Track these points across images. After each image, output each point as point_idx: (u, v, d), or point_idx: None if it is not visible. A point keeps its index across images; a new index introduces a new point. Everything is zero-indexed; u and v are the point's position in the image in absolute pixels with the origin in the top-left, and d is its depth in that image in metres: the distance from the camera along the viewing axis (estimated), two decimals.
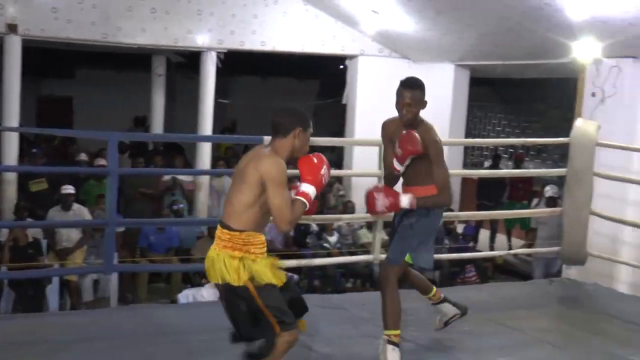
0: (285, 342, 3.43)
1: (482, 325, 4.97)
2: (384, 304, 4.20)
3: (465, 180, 11.96)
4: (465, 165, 14.14)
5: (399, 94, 4.17)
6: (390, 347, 4.15)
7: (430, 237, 4.27)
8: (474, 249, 10.50)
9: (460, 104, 11.42)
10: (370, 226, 7.59)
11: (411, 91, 4.15)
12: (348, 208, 10.30)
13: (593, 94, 8.15)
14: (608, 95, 8.05)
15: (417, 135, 4.08)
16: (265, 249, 3.45)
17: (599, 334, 5.06)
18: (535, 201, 10.37)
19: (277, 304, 3.40)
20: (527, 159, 15.77)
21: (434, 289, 4.63)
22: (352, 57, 11.59)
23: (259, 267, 3.38)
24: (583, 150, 6.09)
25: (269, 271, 3.40)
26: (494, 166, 12.58)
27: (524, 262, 10.92)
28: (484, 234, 12.03)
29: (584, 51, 7.21)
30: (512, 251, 8.46)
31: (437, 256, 8.06)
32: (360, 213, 9.60)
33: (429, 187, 4.13)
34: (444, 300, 4.63)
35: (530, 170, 12.35)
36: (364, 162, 9.04)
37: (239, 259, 3.37)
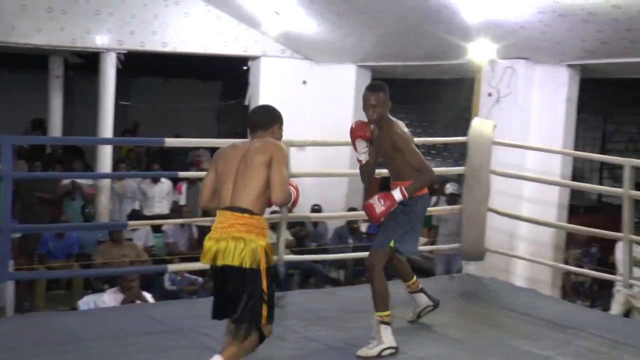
0: (267, 333, 3.67)
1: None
2: (372, 288, 4.51)
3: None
4: None
5: (365, 97, 4.46)
6: (383, 326, 4.46)
7: (415, 225, 4.57)
8: None
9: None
10: (274, 227, 7.57)
11: (375, 94, 4.45)
12: None
13: (489, 94, 8.38)
14: (503, 95, 8.29)
15: (365, 123, 4.45)
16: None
17: (497, 326, 5.21)
18: (434, 199, 10.59)
19: (274, 295, 3.64)
20: (428, 157, 16.09)
21: (415, 277, 4.96)
22: (254, 58, 11.55)
23: (271, 254, 3.62)
24: (480, 149, 6.25)
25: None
26: None
27: (426, 259, 11.13)
28: None
29: (480, 52, 7.41)
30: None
31: (341, 255, 8.26)
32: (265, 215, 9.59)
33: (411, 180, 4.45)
34: (421, 290, 4.96)
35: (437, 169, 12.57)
36: None
37: (266, 245, 3.58)
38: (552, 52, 7.93)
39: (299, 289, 9.55)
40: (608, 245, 8.84)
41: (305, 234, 10.58)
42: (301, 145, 9.06)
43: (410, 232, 4.54)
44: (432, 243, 9.76)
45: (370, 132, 4.47)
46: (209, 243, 3.61)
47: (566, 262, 8.53)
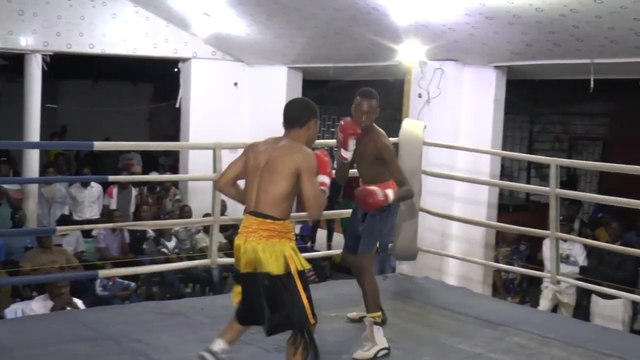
0: (313, 331, 3.63)
1: (322, 322, 5.02)
2: (363, 289, 4.72)
3: None
4: None
5: (358, 103, 4.66)
6: (375, 327, 4.60)
7: (390, 228, 4.96)
8: (312, 249, 10.65)
9: None
10: (207, 230, 7.50)
11: (368, 100, 4.67)
12: (185, 212, 10.15)
13: (419, 95, 8.47)
14: (433, 96, 8.39)
15: (355, 122, 4.65)
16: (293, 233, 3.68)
17: (430, 325, 5.27)
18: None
19: (310, 293, 3.60)
20: None
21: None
22: (185, 60, 11.44)
23: (300, 255, 3.59)
24: (411, 150, 6.31)
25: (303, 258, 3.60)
26: None
27: None
28: (321, 234, 12.23)
29: (409, 54, 7.48)
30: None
31: None
32: (197, 217, 9.50)
33: (387, 183, 4.65)
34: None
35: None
36: (200, 166, 8.92)
37: (292, 249, 3.57)
38: (479, 53, 8.06)
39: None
40: (536, 243, 9.05)
41: None
42: (233, 147, 9.00)
43: (387, 234, 4.97)
44: None
45: (360, 132, 4.64)
46: (236, 248, 3.64)
47: (496, 260, 8.69)
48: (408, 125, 6.51)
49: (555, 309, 8.49)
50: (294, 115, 3.74)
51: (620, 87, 9.47)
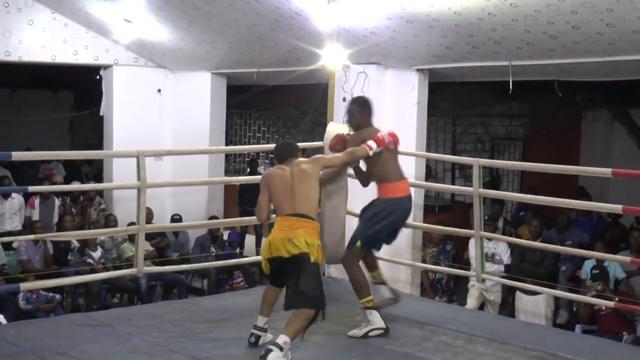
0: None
1: (250, 329, 5.02)
2: (351, 280, 5.21)
3: (227, 188, 12.05)
4: (227, 173, 14.25)
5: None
6: (368, 311, 5.04)
7: (382, 226, 5.21)
8: (240, 255, 10.61)
9: (219, 111, 11.48)
10: (133, 239, 7.38)
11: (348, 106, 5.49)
12: (110, 222, 9.97)
13: (343, 99, 8.50)
14: None
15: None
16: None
17: (360, 327, 5.30)
18: None
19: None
20: None
21: (379, 269, 5.55)
22: (106, 67, 11.23)
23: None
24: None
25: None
26: (253, 172, 12.79)
27: None
28: (250, 240, 12.18)
29: (332, 58, 7.51)
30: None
31: (204, 264, 8.16)
32: (123, 226, 9.35)
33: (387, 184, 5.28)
34: (383, 283, 5.45)
35: None
36: (125, 174, 8.78)
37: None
38: (401, 57, 8.17)
39: (162, 300, 9.39)
40: (463, 242, 9.22)
41: (165, 245, 10.40)
42: (157, 154, 8.93)
43: (375, 233, 5.22)
44: None
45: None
46: (278, 238, 4.52)
47: (424, 261, 8.81)
48: (332, 129, 6.51)
49: (482, 307, 8.66)
50: (284, 154, 4.92)
51: (537, 89, 9.74)
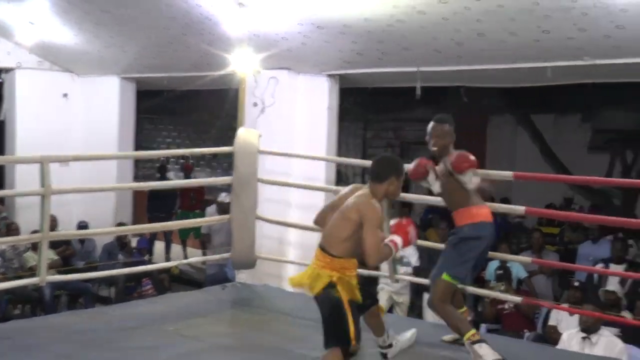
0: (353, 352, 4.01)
1: (160, 337, 4.93)
2: (445, 320, 4.55)
3: (136, 194, 11.83)
4: (137, 178, 14.00)
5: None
6: (476, 346, 4.31)
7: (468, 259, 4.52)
8: (149, 262, 10.41)
9: (128, 116, 11.25)
10: (36, 247, 7.14)
11: (439, 125, 4.62)
12: (12, 230, 9.62)
13: (254, 104, 8.49)
14: (268, 105, 8.43)
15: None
16: (356, 270, 4.03)
17: (272, 332, 5.28)
18: (211, 209, 10.56)
19: (359, 319, 4.03)
20: (198, 168, 16.06)
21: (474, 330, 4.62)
22: (8, 70, 10.83)
23: (352, 285, 3.98)
24: (246, 158, 6.31)
25: (356, 290, 4.00)
26: (162, 177, 12.61)
27: (200, 271, 11.07)
28: (159, 246, 12.00)
29: (243, 63, 7.47)
30: (185, 260, 8.52)
31: (111, 272, 7.97)
32: (25, 234, 9.04)
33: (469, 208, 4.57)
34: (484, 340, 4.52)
35: (196, 180, 12.58)
36: (28, 181, 8.49)
37: (337, 277, 3.94)
38: (312, 62, 8.19)
39: (68, 310, 9.12)
40: None
41: (71, 253, 10.11)
42: (62, 160, 8.67)
43: (459, 265, 4.50)
44: (205, 254, 9.73)
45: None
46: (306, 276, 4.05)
47: None
48: (243, 134, 6.50)
49: (391, 309, 8.76)
50: (375, 170, 4.05)
51: (445, 94, 9.95)
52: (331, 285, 3.95)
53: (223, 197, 9.75)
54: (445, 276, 4.47)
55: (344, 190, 4.19)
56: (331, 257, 3.97)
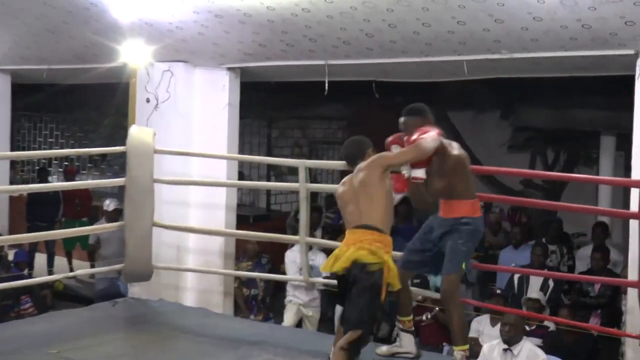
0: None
1: None
2: (450, 319, 4.76)
3: (13, 200, 11.51)
4: (15, 183, 13.65)
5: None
6: None
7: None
8: (29, 277, 10.15)
9: (2, 113, 10.96)
10: None
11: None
12: None
13: (147, 100, 8.40)
14: (162, 100, 8.36)
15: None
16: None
17: (169, 350, 5.27)
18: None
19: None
20: (84, 172, 15.77)
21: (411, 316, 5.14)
22: None
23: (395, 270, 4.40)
24: (141, 158, 6.27)
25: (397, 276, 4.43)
26: (43, 182, 12.32)
27: (88, 286, 10.89)
28: (40, 259, 11.72)
29: (134, 55, 7.40)
30: (70, 274, 8.34)
31: None
32: None
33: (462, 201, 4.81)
34: (411, 332, 5.11)
35: (83, 182, 12.36)
36: None
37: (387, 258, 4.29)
38: (210, 54, 8.18)
39: None
40: (278, 255, 9.36)
41: None
42: None
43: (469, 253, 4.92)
44: (94, 266, 9.56)
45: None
46: (346, 251, 4.23)
47: (237, 276, 8.83)
48: (136, 133, 6.46)
49: (300, 323, 8.83)
50: (351, 155, 4.59)
51: (356, 90, 10.10)
52: (378, 265, 4.19)
53: (107, 204, 9.61)
54: (464, 266, 4.94)
55: (340, 189, 4.55)
56: (379, 233, 4.26)
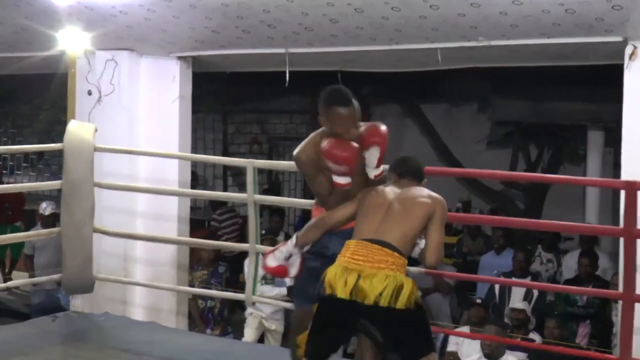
0: None
1: None
2: None
3: None
4: None
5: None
6: None
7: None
8: None
9: None
10: None
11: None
12: None
13: (89, 92, 8.35)
14: (105, 93, 8.31)
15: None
16: None
17: None
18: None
19: None
20: (19, 172, 15.63)
21: None
22: None
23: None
24: (79, 158, 6.24)
25: None
26: None
27: (23, 298, 10.80)
28: None
29: (72, 42, 7.34)
30: (3, 285, 8.28)
31: None
32: None
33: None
34: None
35: (14, 185, 12.25)
36: None
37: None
38: (158, 42, 8.13)
39: None
40: (238, 263, 9.35)
41: None
42: None
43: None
44: (31, 277, 9.46)
45: None
46: (349, 275, 3.88)
47: (192, 286, 8.82)
48: (74, 128, 6.42)
49: (262, 338, 8.82)
50: (421, 170, 4.47)
51: (319, 81, 10.11)
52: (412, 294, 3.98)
53: (44, 207, 9.54)
54: None
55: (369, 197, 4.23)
56: (400, 256, 4.00)
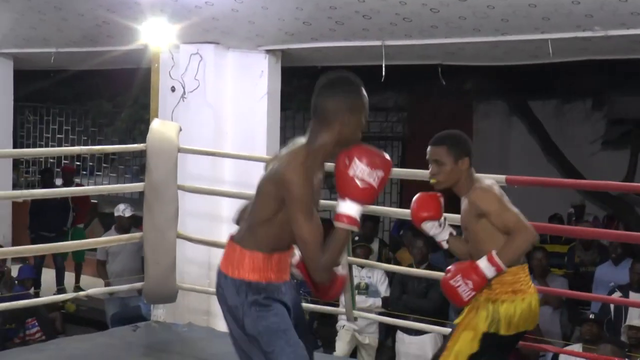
0: None
1: None
2: None
3: (16, 208, 11.67)
4: (19, 187, 13.87)
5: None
6: None
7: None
8: (35, 296, 10.32)
9: (3, 104, 11.12)
10: None
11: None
12: None
13: (172, 89, 8.46)
14: (190, 90, 8.41)
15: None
16: None
17: None
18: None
19: None
20: (99, 173, 15.95)
21: None
22: None
23: None
24: (163, 159, 6.31)
25: None
26: (47, 185, 12.48)
27: (91, 308, 11.03)
28: (48, 275, 11.88)
29: (156, 36, 7.45)
30: (82, 293, 8.42)
31: None
32: None
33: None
34: None
35: (97, 187, 12.48)
36: None
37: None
38: (246, 34, 8.20)
39: None
40: None
41: None
42: None
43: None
44: (107, 284, 9.63)
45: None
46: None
47: None
48: (158, 128, 6.51)
49: (354, 352, 8.82)
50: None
51: (418, 76, 10.06)
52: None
53: (122, 210, 9.70)
54: None
55: None
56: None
